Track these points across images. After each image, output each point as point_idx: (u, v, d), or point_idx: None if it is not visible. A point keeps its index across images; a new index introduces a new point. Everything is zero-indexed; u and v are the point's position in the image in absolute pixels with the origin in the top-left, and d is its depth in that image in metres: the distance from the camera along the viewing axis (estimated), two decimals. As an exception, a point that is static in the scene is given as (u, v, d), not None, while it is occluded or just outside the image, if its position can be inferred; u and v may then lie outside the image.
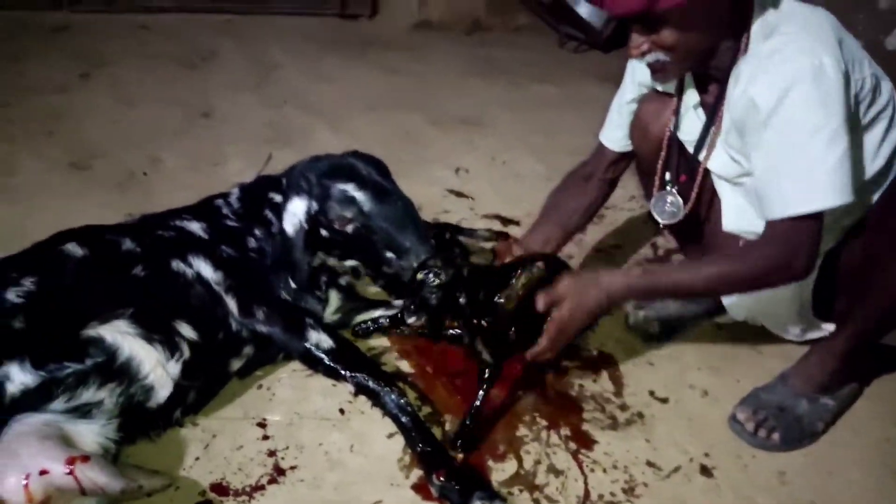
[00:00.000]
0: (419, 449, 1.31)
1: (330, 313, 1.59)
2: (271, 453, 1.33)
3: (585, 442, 1.44)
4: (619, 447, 1.44)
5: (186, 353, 1.31)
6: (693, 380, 1.63)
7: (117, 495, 1.08)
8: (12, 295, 1.24)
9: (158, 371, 1.27)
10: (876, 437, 1.51)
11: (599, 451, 1.42)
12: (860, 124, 1.31)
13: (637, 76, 1.57)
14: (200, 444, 1.33)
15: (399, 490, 1.29)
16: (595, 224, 2.20)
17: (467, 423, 1.36)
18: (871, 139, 1.34)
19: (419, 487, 1.30)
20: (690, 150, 1.52)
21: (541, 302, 1.33)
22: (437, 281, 1.37)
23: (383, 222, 1.45)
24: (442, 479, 1.26)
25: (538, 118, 3.03)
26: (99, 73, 2.91)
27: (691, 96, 1.48)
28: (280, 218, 1.50)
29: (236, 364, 1.43)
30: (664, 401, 1.57)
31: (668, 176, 1.57)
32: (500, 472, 1.35)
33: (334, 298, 1.60)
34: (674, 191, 1.56)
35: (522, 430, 1.45)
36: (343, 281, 1.65)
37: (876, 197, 1.38)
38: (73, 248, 1.35)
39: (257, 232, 1.56)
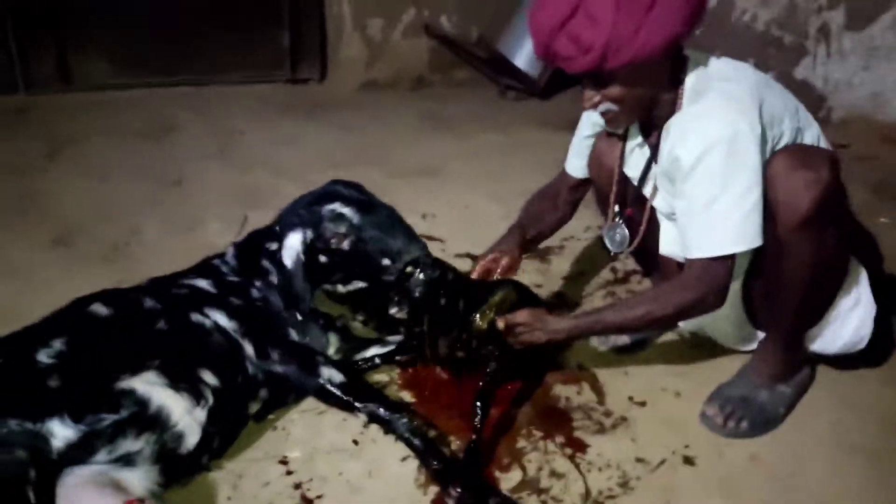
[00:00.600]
0: (433, 467, 1.43)
1: (331, 354, 1.71)
2: (297, 486, 1.43)
3: (579, 446, 1.59)
4: (609, 448, 1.59)
5: (210, 399, 1.41)
6: (665, 384, 1.80)
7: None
8: (44, 357, 1.32)
9: (187, 419, 1.36)
10: (830, 420, 1.70)
11: (593, 453, 1.57)
12: None
13: (592, 117, 1.77)
14: (229, 486, 1.42)
15: (419, 506, 1.41)
16: (557, 255, 2.39)
17: (473, 441, 1.50)
18: None
19: (437, 503, 1.42)
20: (636, 183, 1.72)
21: (500, 323, 1.57)
22: (423, 276, 1.53)
23: (374, 230, 1.58)
24: (458, 490, 1.38)
25: (488, 165, 3.23)
26: (65, 151, 2.99)
27: (635, 139, 1.69)
28: (278, 262, 1.61)
29: (254, 407, 1.53)
30: (642, 404, 1.73)
31: (617, 208, 1.78)
32: (508, 480, 1.48)
33: (333, 340, 1.72)
34: (622, 223, 1.77)
35: (521, 443, 1.59)
36: (339, 323, 1.77)
37: None
38: (99, 308, 1.44)
39: (258, 283, 1.67)
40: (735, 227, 1.44)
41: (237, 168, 2.97)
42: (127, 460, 1.26)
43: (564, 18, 1.40)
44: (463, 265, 2.28)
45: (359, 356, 1.74)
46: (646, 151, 1.68)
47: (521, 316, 1.58)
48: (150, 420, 1.31)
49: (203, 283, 1.63)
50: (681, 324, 1.88)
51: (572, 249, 2.46)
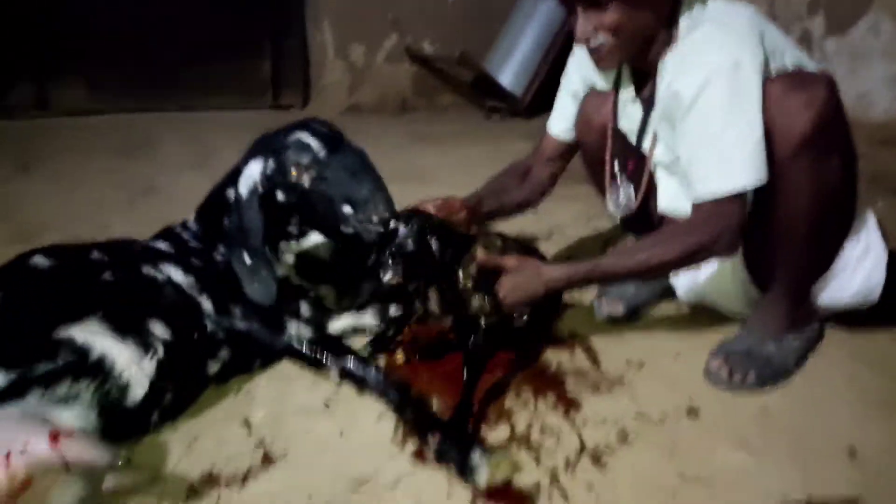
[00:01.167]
0: (410, 418, 1.29)
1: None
2: (259, 444, 1.29)
3: (573, 404, 1.45)
4: (605, 406, 1.45)
5: (161, 352, 1.28)
6: (664, 346, 1.67)
7: (103, 472, 1.02)
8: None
9: (133, 369, 1.23)
10: (844, 374, 1.57)
11: (588, 411, 1.43)
12: None
13: (582, 69, 1.69)
14: (183, 445, 1.28)
15: (396, 461, 1.26)
16: (545, 243, 2.29)
17: (463, 402, 1.36)
18: None
19: (416, 455, 1.27)
20: (633, 139, 1.64)
21: (483, 259, 1.46)
22: (411, 228, 1.40)
23: (339, 170, 1.42)
24: (437, 438, 1.24)
25: (475, 172, 3.11)
26: (38, 165, 2.92)
27: (628, 91, 1.60)
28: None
29: (213, 367, 1.40)
30: (640, 365, 1.60)
31: (616, 167, 1.68)
32: (496, 437, 1.34)
33: (305, 309, 1.60)
34: (625, 180, 1.67)
35: (510, 403, 1.45)
36: (311, 293, 1.65)
37: None
38: (39, 260, 1.33)
39: (220, 248, 1.56)
40: (744, 160, 1.35)
41: (213, 178, 2.88)
42: (64, 405, 1.12)
43: None
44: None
45: (333, 325, 1.61)
46: (638, 107, 1.59)
47: (508, 260, 1.46)
48: (90, 368, 1.18)
49: (162, 245, 1.52)
50: (681, 294, 1.75)
51: (561, 239, 2.36)
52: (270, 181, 1.45)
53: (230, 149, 3.35)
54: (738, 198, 1.37)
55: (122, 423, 1.22)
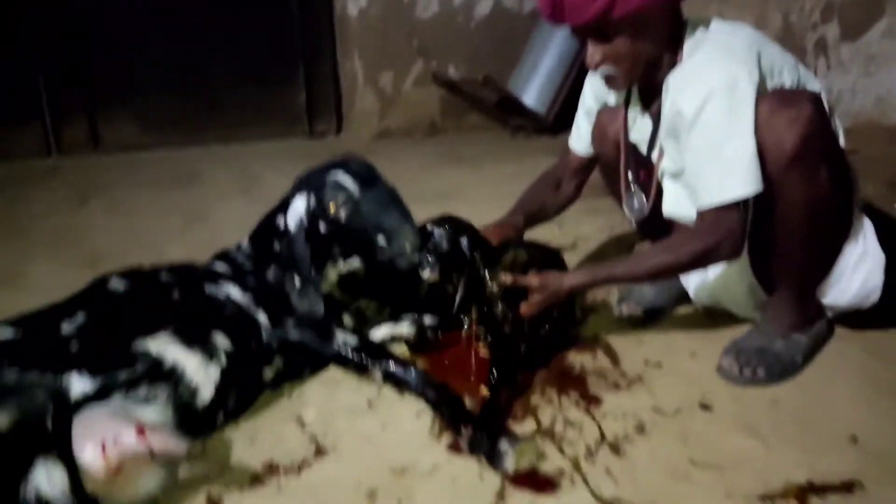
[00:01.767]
0: (445, 412, 1.44)
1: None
2: (312, 439, 1.45)
3: (594, 401, 1.58)
4: (624, 401, 1.58)
5: (224, 359, 1.45)
6: (681, 347, 1.79)
7: (180, 461, 1.19)
8: (67, 328, 1.39)
9: (200, 374, 1.40)
10: (853, 367, 1.67)
11: (608, 406, 1.56)
12: None
13: (595, 89, 1.83)
14: (246, 440, 1.45)
15: (433, 452, 1.41)
16: (569, 254, 2.42)
17: (491, 397, 1.50)
18: None
19: (451, 447, 1.42)
20: (643, 150, 1.76)
21: (508, 278, 1.60)
22: (446, 230, 1.57)
23: (371, 204, 1.61)
24: (469, 430, 1.38)
25: (502, 188, 3.28)
26: (96, 198, 3.15)
27: (638, 107, 1.73)
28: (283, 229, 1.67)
29: (269, 373, 1.57)
30: (658, 365, 1.72)
31: (630, 176, 1.81)
32: (522, 429, 1.47)
33: (347, 320, 1.76)
34: (637, 188, 1.80)
35: (535, 400, 1.58)
36: (352, 307, 1.81)
37: None
38: (116, 284, 1.52)
39: (273, 268, 1.73)
40: (742, 171, 1.47)
41: (259, 204, 3.06)
42: (144, 404, 1.29)
43: None
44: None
45: (375, 333, 1.77)
46: (647, 121, 1.72)
47: (532, 279, 1.60)
48: (164, 374, 1.36)
49: (220, 266, 1.70)
50: (694, 297, 1.88)
51: (584, 250, 2.49)
52: (313, 216, 1.65)
53: (271, 176, 3.58)
54: (739, 206, 1.49)
55: (193, 422, 1.38)
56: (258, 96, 4.14)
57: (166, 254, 2.52)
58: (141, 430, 1.15)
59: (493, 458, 1.35)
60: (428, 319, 1.77)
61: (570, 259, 2.38)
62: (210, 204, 3.07)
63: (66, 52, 3.74)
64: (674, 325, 1.90)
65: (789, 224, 1.55)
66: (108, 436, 1.13)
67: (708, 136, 1.49)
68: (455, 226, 1.73)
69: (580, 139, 1.92)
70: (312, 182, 1.67)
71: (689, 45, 1.57)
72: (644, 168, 1.78)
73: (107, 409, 1.22)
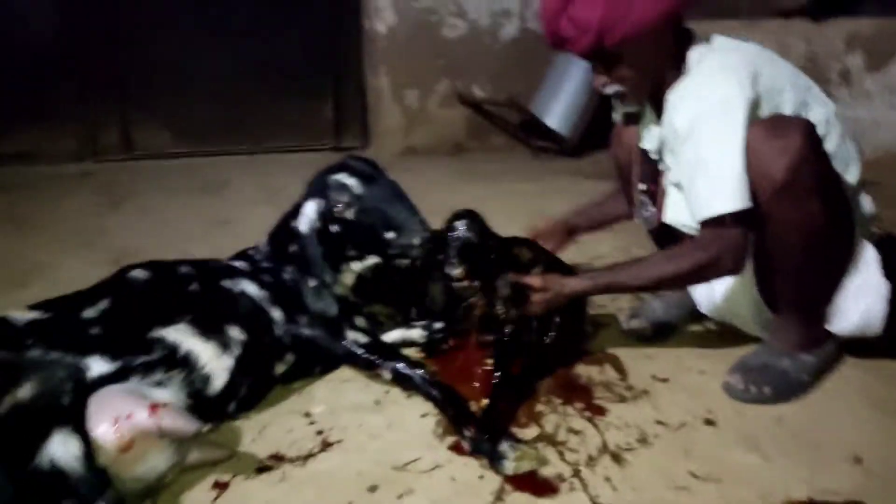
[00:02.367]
0: (449, 413, 1.47)
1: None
2: (319, 432, 1.49)
3: (599, 411, 1.60)
4: (629, 413, 1.59)
5: (237, 351, 1.50)
6: (689, 364, 1.80)
7: (189, 443, 1.23)
8: (89, 313, 1.45)
9: (214, 363, 1.45)
10: (858, 388, 1.67)
11: (612, 417, 1.57)
12: None
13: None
14: (255, 431, 1.49)
15: (435, 451, 1.44)
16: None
17: (490, 400, 1.52)
18: None
19: (454, 447, 1.44)
20: (654, 157, 1.78)
21: (512, 278, 1.64)
22: (472, 225, 1.62)
23: (375, 201, 1.65)
24: (472, 431, 1.41)
25: (523, 206, 3.34)
26: (127, 201, 3.25)
27: (649, 116, 1.76)
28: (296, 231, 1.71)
29: (280, 368, 1.61)
30: (665, 380, 1.73)
31: (642, 186, 1.83)
32: (525, 435, 1.49)
33: (360, 321, 1.80)
34: (646, 197, 1.83)
35: (540, 408, 1.61)
36: (366, 310, 1.85)
37: None
38: (139, 273, 1.58)
39: (288, 268, 1.78)
40: (729, 187, 1.49)
41: (280, 212, 3.15)
42: (159, 387, 1.34)
43: (566, 1, 1.53)
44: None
45: (388, 336, 1.80)
46: (657, 129, 1.73)
47: (535, 280, 1.63)
48: (179, 361, 1.41)
49: (238, 263, 1.76)
50: (704, 310, 1.89)
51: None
52: (323, 218, 1.69)
53: (295, 187, 3.63)
54: (738, 220, 1.50)
55: (205, 409, 1.42)
56: (288, 109, 4.26)
57: (190, 255, 2.58)
58: (153, 408, 1.20)
59: (495, 460, 1.37)
60: (438, 325, 1.80)
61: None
62: (235, 211, 3.15)
63: (103, 61, 3.88)
64: (683, 342, 1.91)
65: (785, 249, 1.57)
66: (122, 413, 1.18)
67: (697, 152, 1.53)
68: (481, 222, 1.75)
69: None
70: (319, 185, 1.73)
71: (691, 60, 1.60)
72: (655, 176, 1.80)
73: (122, 387, 1.26)
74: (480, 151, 4.56)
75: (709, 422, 1.56)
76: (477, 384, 1.62)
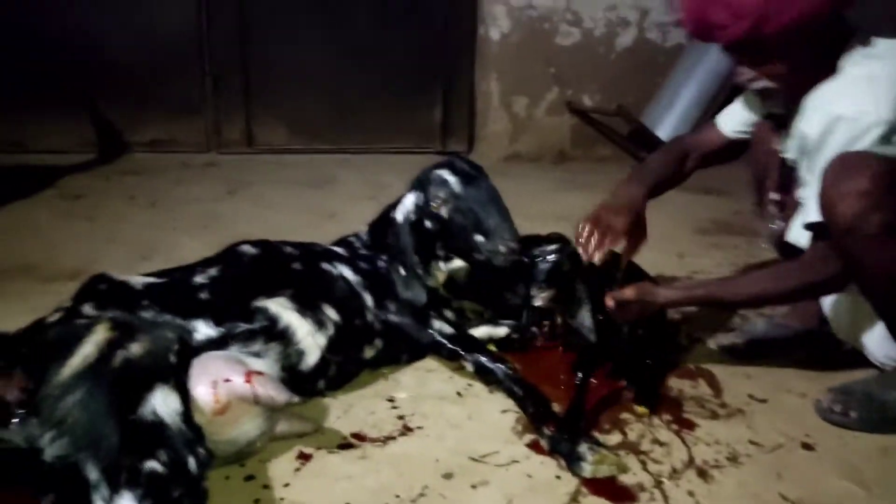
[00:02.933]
0: (530, 410, 1.46)
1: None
2: (400, 417, 1.52)
3: (688, 425, 1.54)
4: (720, 430, 1.53)
5: (331, 330, 1.56)
6: (790, 386, 1.71)
7: (280, 413, 1.29)
8: (199, 278, 1.55)
9: (309, 340, 1.51)
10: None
11: (701, 432, 1.52)
12: None
13: None
14: (341, 410, 1.54)
15: (513, 446, 1.43)
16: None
17: (574, 404, 1.51)
18: None
19: (532, 445, 1.43)
20: (792, 164, 1.62)
21: (609, 300, 1.60)
22: (563, 254, 1.61)
23: (471, 202, 1.66)
24: (552, 430, 1.39)
25: (624, 217, 3.28)
26: (243, 191, 3.45)
27: (796, 120, 1.53)
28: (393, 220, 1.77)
29: (369, 352, 1.66)
30: (763, 401, 1.65)
31: (774, 196, 1.71)
32: (606, 441, 1.46)
33: (448, 314, 1.82)
34: (777, 210, 1.71)
35: (625, 416, 1.57)
36: (455, 304, 1.88)
37: None
38: (247, 248, 1.68)
39: (384, 257, 1.83)
40: None
41: (384, 205, 3.25)
42: (256, 357, 1.42)
43: None
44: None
45: (474, 331, 1.82)
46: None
47: (629, 293, 1.60)
48: (277, 334, 1.48)
49: (338, 249, 1.83)
50: (834, 323, 1.72)
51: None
52: (420, 211, 1.73)
53: (399, 185, 3.72)
54: None
55: (296, 383, 1.48)
56: (397, 111, 4.37)
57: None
58: (249, 376, 1.26)
59: (572, 461, 1.35)
60: (526, 325, 1.80)
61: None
62: (341, 205, 3.27)
63: (233, 61, 4.13)
64: (786, 363, 1.81)
65: (868, 293, 1.46)
66: (220, 377, 1.25)
67: (820, 165, 1.41)
68: (572, 251, 1.73)
69: (730, 118, 1.79)
70: (422, 179, 1.77)
71: (844, 62, 1.44)
72: (790, 187, 1.65)
73: (223, 353, 1.34)
74: (584, 161, 4.49)
75: (806, 446, 1.47)
76: (561, 387, 1.62)
